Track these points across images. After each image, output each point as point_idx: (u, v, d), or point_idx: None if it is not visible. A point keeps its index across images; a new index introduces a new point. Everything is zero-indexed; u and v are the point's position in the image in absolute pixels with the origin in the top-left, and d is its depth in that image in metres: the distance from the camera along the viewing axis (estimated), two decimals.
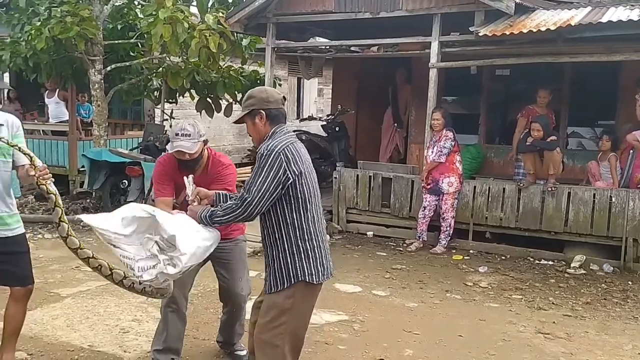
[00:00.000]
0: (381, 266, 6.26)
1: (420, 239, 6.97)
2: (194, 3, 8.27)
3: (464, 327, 4.58)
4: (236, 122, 2.98)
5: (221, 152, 3.77)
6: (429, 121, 7.01)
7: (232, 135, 13.13)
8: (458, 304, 5.15)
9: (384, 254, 6.77)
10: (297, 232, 2.73)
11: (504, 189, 6.86)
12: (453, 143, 6.81)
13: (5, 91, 11.38)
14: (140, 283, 2.99)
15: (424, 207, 6.93)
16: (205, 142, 3.43)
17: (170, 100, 9.71)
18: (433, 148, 6.87)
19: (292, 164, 2.69)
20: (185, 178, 3.11)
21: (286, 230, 2.73)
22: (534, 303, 5.22)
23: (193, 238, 2.84)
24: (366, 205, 7.60)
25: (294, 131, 2.97)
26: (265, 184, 2.65)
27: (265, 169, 2.66)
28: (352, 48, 8.30)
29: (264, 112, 2.81)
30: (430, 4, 6.95)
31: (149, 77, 9.28)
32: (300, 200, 2.72)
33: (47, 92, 10.15)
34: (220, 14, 7.79)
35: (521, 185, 6.76)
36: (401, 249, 7.00)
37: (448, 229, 6.84)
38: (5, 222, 3.24)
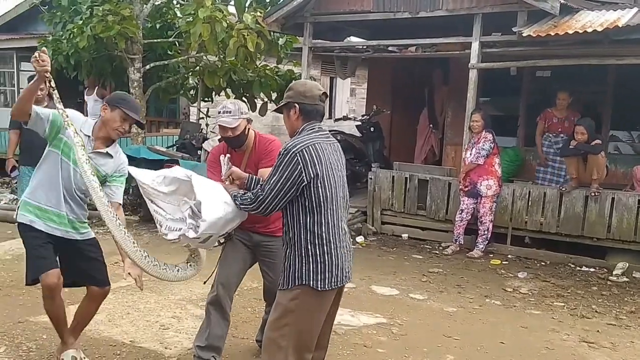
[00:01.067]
0: (417, 269, 6.19)
1: (457, 243, 6.87)
2: (232, 2, 8.30)
3: (506, 333, 4.49)
4: (275, 110, 2.99)
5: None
6: (468, 122, 6.90)
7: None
8: (498, 310, 5.05)
9: (420, 257, 6.69)
10: (309, 236, 2.68)
11: (545, 193, 6.71)
12: (492, 145, 6.69)
13: None
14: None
15: (462, 210, 6.83)
16: (249, 120, 3.47)
17: (206, 99, 9.79)
18: (472, 150, 6.77)
19: (309, 166, 2.64)
20: (221, 157, 3.16)
21: (298, 232, 2.70)
22: (576, 311, 5.09)
23: (218, 208, 2.89)
24: (401, 206, 7.53)
25: (328, 131, 2.92)
26: (279, 184, 2.64)
27: (280, 168, 2.65)
28: (389, 48, 8.22)
29: (298, 106, 2.78)
30: (472, 4, 6.85)
31: (186, 75, 9.37)
32: (314, 203, 2.67)
33: (86, 89, 10.33)
34: (259, 14, 7.81)
35: (563, 189, 6.61)
36: (437, 252, 6.91)
37: (486, 232, 6.73)
38: (78, 229, 3.43)
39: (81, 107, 11.24)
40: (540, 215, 6.70)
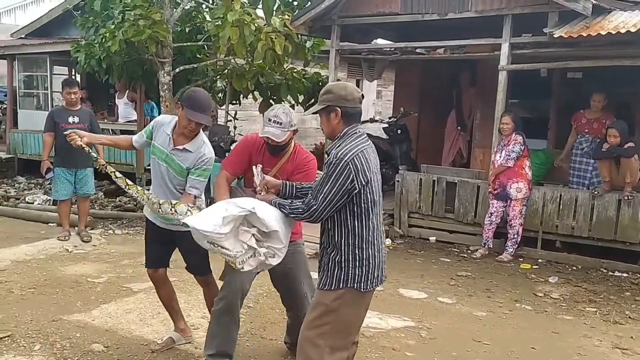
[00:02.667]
0: (445, 272, 6.14)
1: (486, 246, 6.79)
2: (261, 6, 8.35)
3: (537, 339, 4.43)
4: (312, 112, 2.95)
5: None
6: (497, 125, 6.83)
7: None
8: (529, 315, 4.98)
9: (448, 260, 6.64)
10: (356, 240, 2.73)
11: (576, 196, 6.60)
12: (522, 147, 6.61)
13: None
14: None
15: (491, 213, 6.76)
16: (295, 131, 3.44)
17: (234, 102, 9.87)
18: (501, 152, 6.69)
19: (361, 174, 2.67)
20: (254, 167, 3.12)
21: (346, 236, 2.74)
22: (609, 316, 4.99)
23: (288, 233, 2.92)
24: (429, 209, 7.48)
25: None
26: (332, 193, 2.66)
27: (333, 177, 2.66)
28: (417, 50, 8.18)
29: (339, 110, 2.77)
30: (501, 5, 6.77)
31: (215, 78, 9.46)
32: (363, 208, 2.72)
33: (117, 93, 10.52)
34: (286, 17, 7.85)
35: (595, 193, 6.49)
36: (465, 255, 6.84)
37: (515, 236, 6.64)
38: (173, 221, 3.51)
39: (112, 110, 11.48)
40: (572, 219, 6.59)
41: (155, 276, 3.87)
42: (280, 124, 3.32)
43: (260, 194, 3.00)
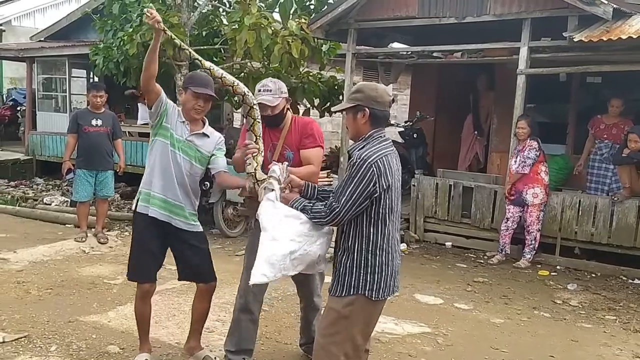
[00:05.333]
0: (462, 278, 6.08)
1: (503, 252, 6.72)
2: (277, 9, 8.36)
3: (556, 347, 4.36)
4: (338, 110, 2.93)
5: None
6: (514, 129, 6.76)
7: None
8: (547, 323, 4.91)
9: (464, 266, 6.57)
10: (370, 246, 2.67)
11: (596, 202, 6.50)
12: (538, 153, 6.53)
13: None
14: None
15: (507, 219, 6.68)
16: (288, 100, 3.52)
17: None
18: (516, 158, 6.62)
19: (383, 177, 2.62)
20: (279, 164, 3.04)
21: (359, 242, 2.69)
22: (629, 325, 4.90)
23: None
24: (445, 214, 7.42)
25: None
26: (355, 195, 2.61)
27: (356, 179, 2.61)
28: (434, 54, 8.13)
29: (368, 111, 2.71)
30: (520, 9, 6.70)
31: None
32: (380, 214, 2.67)
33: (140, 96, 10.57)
34: (303, 20, 7.85)
35: (615, 199, 6.39)
36: (482, 261, 6.77)
37: (533, 242, 6.56)
38: (187, 215, 3.52)
39: (129, 112, 11.56)
40: (591, 225, 6.49)
41: (150, 291, 3.54)
42: (270, 90, 3.42)
43: (284, 192, 2.95)
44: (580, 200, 6.59)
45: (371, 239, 2.67)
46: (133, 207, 3.56)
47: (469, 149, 9.42)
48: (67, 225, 7.71)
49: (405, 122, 10.04)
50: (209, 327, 4.37)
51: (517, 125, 6.62)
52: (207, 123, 3.60)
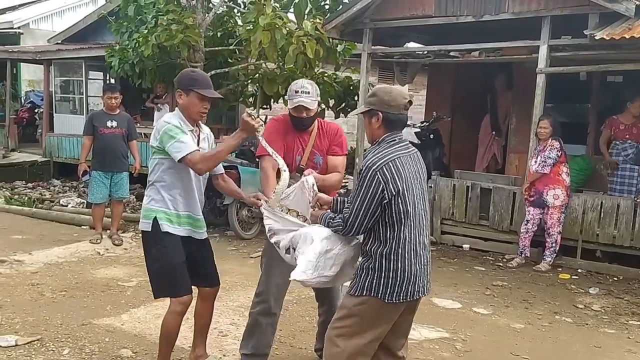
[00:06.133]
0: (480, 282, 5.96)
1: (523, 255, 6.58)
2: (292, 10, 8.31)
3: (578, 353, 4.23)
4: (355, 114, 2.95)
5: None
6: (534, 129, 6.62)
7: None
8: (569, 328, 4.77)
9: (483, 269, 6.44)
10: (385, 250, 2.64)
11: (618, 204, 6.34)
12: (559, 153, 6.38)
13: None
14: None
15: (527, 221, 6.54)
16: (319, 103, 3.43)
17: (265, 106, 9.84)
18: (536, 158, 6.48)
19: (391, 183, 2.59)
20: (305, 181, 3.01)
21: (376, 244, 2.67)
22: None
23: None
24: (463, 216, 7.29)
25: None
26: (365, 204, 2.62)
27: (364, 188, 2.62)
28: (451, 53, 8.01)
29: (381, 115, 2.70)
30: (539, 6, 6.56)
31: (246, 83, 9.45)
32: (394, 218, 2.63)
33: (158, 97, 10.56)
34: (318, 20, 7.79)
35: (638, 201, 6.22)
36: (501, 264, 6.64)
37: (554, 245, 6.41)
38: (204, 225, 3.44)
39: (145, 114, 11.59)
40: (613, 227, 6.33)
41: (190, 303, 3.35)
42: (308, 93, 3.29)
43: (314, 209, 3.00)
44: (602, 202, 6.43)
45: (387, 243, 2.64)
46: (147, 228, 3.28)
47: (487, 149, 9.28)
48: (82, 226, 7.73)
49: (422, 122, 9.91)
50: (223, 330, 4.33)
51: (539, 125, 6.48)
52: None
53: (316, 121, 3.48)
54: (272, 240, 3.02)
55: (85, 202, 8.83)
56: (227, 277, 5.59)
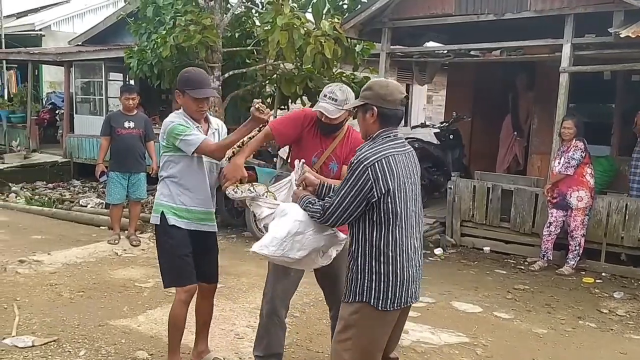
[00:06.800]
0: (501, 285, 5.84)
1: (545, 258, 6.43)
2: (310, 9, 8.26)
3: (602, 359, 4.11)
4: (349, 108, 2.84)
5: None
6: (557, 129, 6.48)
7: None
8: (593, 333, 4.64)
9: (504, 272, 6.32)
10: (374, 252, 2.52)
11: None
12: (584, 154, 6.24)
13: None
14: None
15: (550, 223, 6.40)
16: (350, 112, 3.26)
17: (282, 107, 9.81)
18: (560, 159, 6.34)
19: (381, 181, 2.47)
20: (297, 161, 3.04)
21: (362, 247, 2.55)
22: None
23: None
24: (483, 218, 7.17)
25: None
26: (348, 198, 2.50)
27: (351, 181, 2.50)
28: (471, 52, 7.89)
29: (376, 110, 2.58)
30: (563, 4, 6.41)
31: (263, 83, 9.43)
32: (383, 218, 2.50)
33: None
34: (336, 20, 7.73)
35: None
36: (522, 267, 6.50)
37: (577, 248, 6.26)
38: (213, 218, 3.50)
39: (164, 115, 11.62)
40: (639, 230, 6.16)
41: (194, 293, 3.46)
42: (335, 100, 3.19)
43: (298, 188, 2.95)
44: (627, 204, 6.27)
45: (375, 244, 2.52)
46: (157, 221, 3.40)
47: (508, 150, 9.13)
48: (101, 227, 7.76)
49: (441, 123, 9.82)
50: (239, 333, 4.29)
51: (563, 125, 6.33)
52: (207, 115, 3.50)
53: (347, 128, 3.38)
54: (261, 225, 3.02)
55: (104, 202, 8.88)
56: (244, 278, 5.57)
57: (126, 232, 7.03)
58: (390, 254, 2.51)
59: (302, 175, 2.96)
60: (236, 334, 4.26)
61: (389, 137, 2.58)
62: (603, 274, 6.24)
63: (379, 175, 2.47)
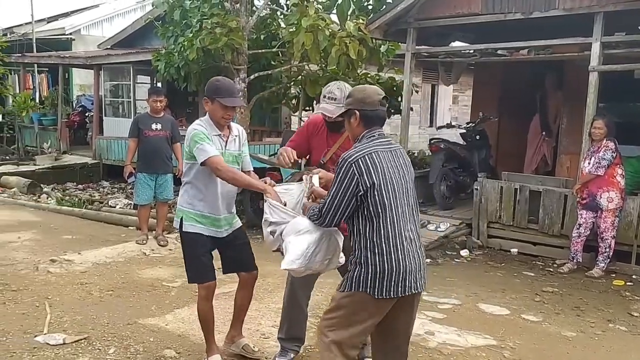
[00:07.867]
0: (529, 287, 5.76)
1: (574, 260, 6.33)
2: (335, 11, 8.28)
3: None
4: (337, 116, 3.05)
5: None
6: (587, 129, 6.36)
7: None
8: (624, 337, 4.55)
9: (532, 274, 6.23)
10: (368, 244, 2.66)
11: None
12: (614, 154, 6.12)
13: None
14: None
15: (579, 225, 6.29)
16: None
17: (307, 108, 9.85)
18: (590, 159, 6.22)
19: (365, 175, 2.62)
20: (304, 176, 3.18)
21: (358, 239, 2.70)
22: None
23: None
24: (510, 219, 7.08)
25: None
26: (338, 197, 2.66)
27: (338, 180, 2.67)
28: (498, 52, 7.80)
29: (358, 113, 2.77)
30: (592, 2, 6.31)
31: (288, 85, 9.48)
32: (372, 212, 2.64)
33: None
34: (361, 21, 7.73)
35: None
36: (551, 269, 6.41)
37: (607, 250, 6.14)
38: (231, 222, 3.68)
39: (191, 117, 11.76)
40: None
41: (213, 288, 3.65)
42: (335, 99, 3.38)
43: (308, 200, 3.09)
44: None
45: (368, 236, 2.66)
46: (177, 225, 3.62)
47: (536, 150, 9.00)
48: (129, 227, 7.88)
49: (468, 123, 9.71)
50: (265, 333, 4.31)
51: (593, 125, 6.22)
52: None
53: None
54: (269, 229, 3.10)
55: (132, 203, 9.02)
56: (269, 278, 5.59)
57: (154, 232, 7.12)
58: (383, 246, 2.63)
59: (310, 189, 3.11)
60: (262, 334, 4.29)
61: (374, 136, 2.76)
62: (634, 277, 6.11)
63: (363, 170, 2.63)
